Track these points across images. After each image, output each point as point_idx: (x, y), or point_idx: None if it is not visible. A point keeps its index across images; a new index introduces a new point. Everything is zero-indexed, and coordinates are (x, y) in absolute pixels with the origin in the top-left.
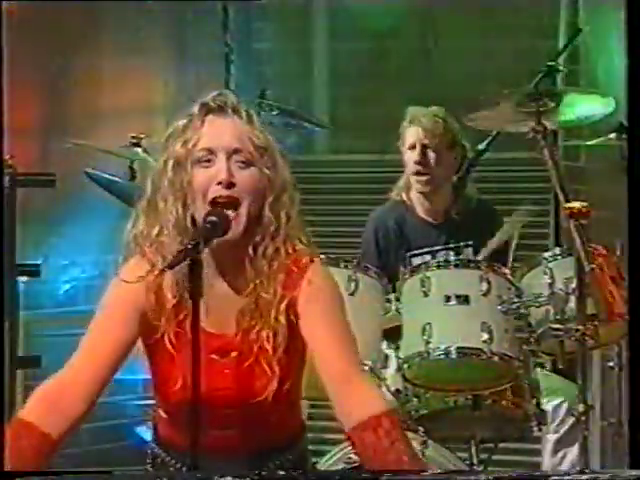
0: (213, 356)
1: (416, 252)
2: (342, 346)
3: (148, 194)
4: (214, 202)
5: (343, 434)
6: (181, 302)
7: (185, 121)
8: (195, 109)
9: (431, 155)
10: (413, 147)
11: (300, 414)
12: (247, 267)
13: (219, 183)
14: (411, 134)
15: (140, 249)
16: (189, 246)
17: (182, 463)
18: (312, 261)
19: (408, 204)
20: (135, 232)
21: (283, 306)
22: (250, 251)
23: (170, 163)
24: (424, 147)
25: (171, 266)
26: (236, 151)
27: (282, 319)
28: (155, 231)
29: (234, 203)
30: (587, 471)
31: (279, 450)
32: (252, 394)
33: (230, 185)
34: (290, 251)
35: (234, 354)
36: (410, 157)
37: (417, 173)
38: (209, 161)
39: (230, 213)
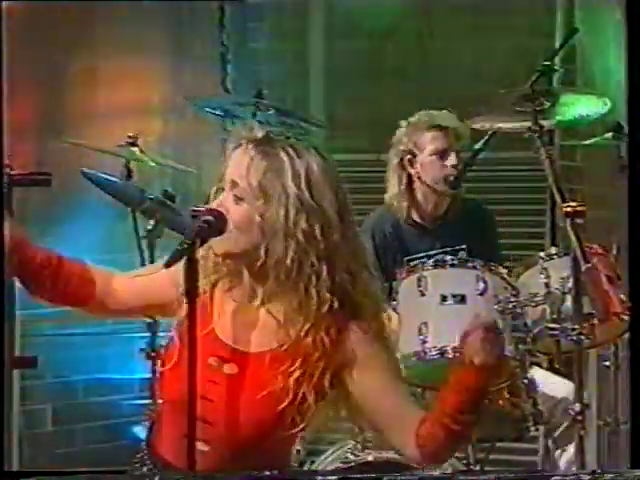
0: (212, 362)
1: (413, 257)
2: (399, 401)
3: None
4: None
5: (340, 434)
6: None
7: None
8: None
9: (461, 159)
10: (440, 153)
11: (287, 462)
12: (293, 304)
13: None
14: (436, 139)
15: None
16: (185, 245)
17: (159, 473)
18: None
19: (404, 208)
20: None
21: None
22: (300, 290)
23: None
24: (457, 152)
25: (168, 265)
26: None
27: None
28: None
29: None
30: (598, 471)
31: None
32: (237, 420)
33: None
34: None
35: (234, 370)
36: (437, 163)
37: (450, 176)
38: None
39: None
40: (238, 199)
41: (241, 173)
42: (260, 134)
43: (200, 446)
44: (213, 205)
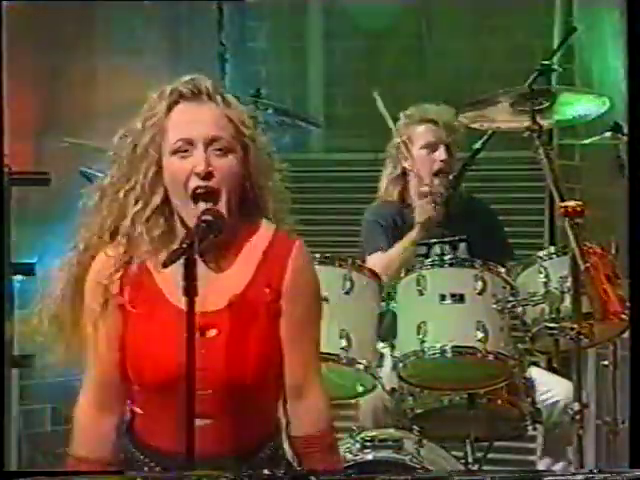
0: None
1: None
2: (304, 357)
3: (114, 181)
4: (195, 195)
5: (338, 434)
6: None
7: (152, 102)
8: (165, 92)
9: (451, 153)
10: (430, 146)
11: (277, 411)
12: (229, 248)
13: (197, 174)
14: (427, 133)
15: (101, 243)
16: (184, 245)
17: (157, 463)
18: (294, 243)
19: (401, 203)
20: (99, 222)
21: (267, 290)
22: (232, 233)
23: (143, 152)
24: (447, 146)
25: (165, 265)
26: (214, 139)
27: (265, 300)
28: (126, 222)
29: (214, 195)
30: (595, 471)
31: (253, 449)
32: (231, 379)
33: (208, 176)
34: (272, 233)
35: (212, 332)
36: (426, 157)
37: (440, 172)
38: (186, 151)
39: (211, 205)
40: (223, 152)
41: (220, 125)
42: (206, 86)
43: (199, 422)
44: (201, 166)
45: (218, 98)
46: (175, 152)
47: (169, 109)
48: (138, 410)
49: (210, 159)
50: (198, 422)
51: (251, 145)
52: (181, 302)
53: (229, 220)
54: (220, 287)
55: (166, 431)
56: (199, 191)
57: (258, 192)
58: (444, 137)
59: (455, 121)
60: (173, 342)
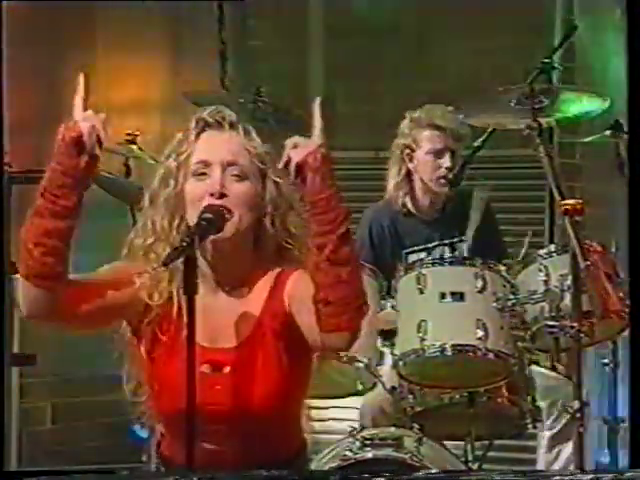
0: (204, 369)
1: (411, 249)
2: None
3: (145, 206)
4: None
5: (337, 435)
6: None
7: (181, 136)
8: (191, 124)
9: (456, 160)
10: (436, 152)
11: (301, 432)
12: (244, 283)
13: (211, 194)
14: (433, 138)
15: (133, 256)
16: (184, 244)
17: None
18: (294, 270)
19: (402, 202)
20: (134, 241)
21: (273, 321)
22: (245, 268)
23: (165, 177)
24: (453, 153)
25: (165, 263)
26: (231, 164)
27: (279, 329)
28: (149, 241)
29: (224, 211)
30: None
31: (274, 467)
32: (246, 412)
33: (222, 196)
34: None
35: (227, 369)
36: (431, 162)
37: (443, 178)
38: (204, 174)
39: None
40: (240, 177)
41: (239, 152)
42: (229, 116)
43: (218, 448)
44: (215, 187)
45: (240, 129)
46: (194, 174)
47: (197, 137)
48: (162, 430)
49: (225, 181)
50: (214, 447)
51: (268, 177)
52: (203, 340)
53: (240, 243)
54: (234, 320)
55: (180, 450)
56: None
57: (271, 229)
58: (451, 144)
59: (462, 129)
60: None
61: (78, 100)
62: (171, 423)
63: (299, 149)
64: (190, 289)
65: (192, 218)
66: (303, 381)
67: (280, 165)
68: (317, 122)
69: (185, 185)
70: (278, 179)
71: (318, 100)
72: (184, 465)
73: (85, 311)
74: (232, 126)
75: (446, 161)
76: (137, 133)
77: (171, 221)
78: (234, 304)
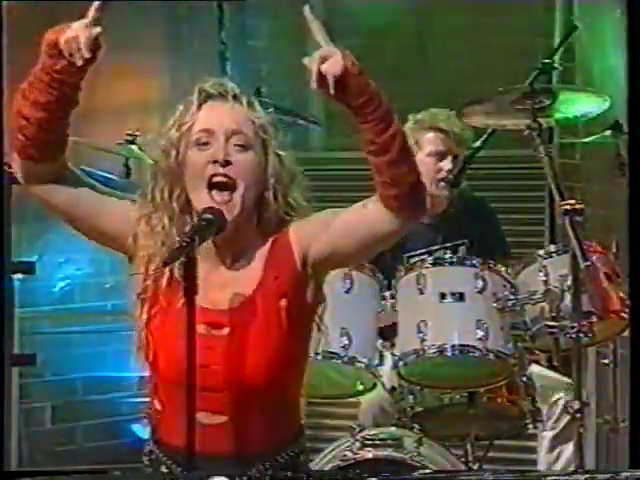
0: (202, 330)
1: (413, 254)
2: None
3: (147, 180)
4: (211, 183)
5: (338, 432)
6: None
7: (182, 107)
8: (194, 95)
9: (457, 164)
10: (438, 154)
11: (299, 414)
12: (245, 250)
13: (215, 162)
14: (436, 140)
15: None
16: (184, 243)
17: (175, 462)
18: (290, 227)
19: None
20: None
21: (275, 282)
22: (247, 237)
23: (166, 148)
24: (455, 156)
25: (166, 263)
26: (235, 132)
27: (281, 300)
28: (147, 211)
29: (230, 184)
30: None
31: (270, 452)
32: (243, 377)
33: (226, 163)
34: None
35: (226, 330)
36: (432, 164)
37: (444, 181)
38: (207, 143)
39: (225, 197)
40: (244, 147)
41: (243, 122)
42: (232, 88)
43: (216, 419)
44: (219, 154)
45: (243, 100)
46: (196, 143)
47: (199, 108)
48: (158, 406)
49: (229, 150)
50: (212, 420)
51: (271, 150)
52: (202, 300)
53: (244, 221)
54: (234, 286)
55: (182, 430)
56: (215, 179)
57: (274, 203)
58: (453, 147)
59: (465, 133)
60: (193, 356)
61: (91, 12)
62: (169, 391)
63: (331, 60)
64: (190, 290)
65: (197, 192)
66: (302, 352)
67: (314, 84)
68: (318, 30)
69: (187, 155)
70: (280, 151)
71: (307, 7)
72: (179, 448)
73: (73, 212)
74: (235, 97)
75: (447, 164)
76: (137, 133)
77: (171, 192)
78: (235, 273)
